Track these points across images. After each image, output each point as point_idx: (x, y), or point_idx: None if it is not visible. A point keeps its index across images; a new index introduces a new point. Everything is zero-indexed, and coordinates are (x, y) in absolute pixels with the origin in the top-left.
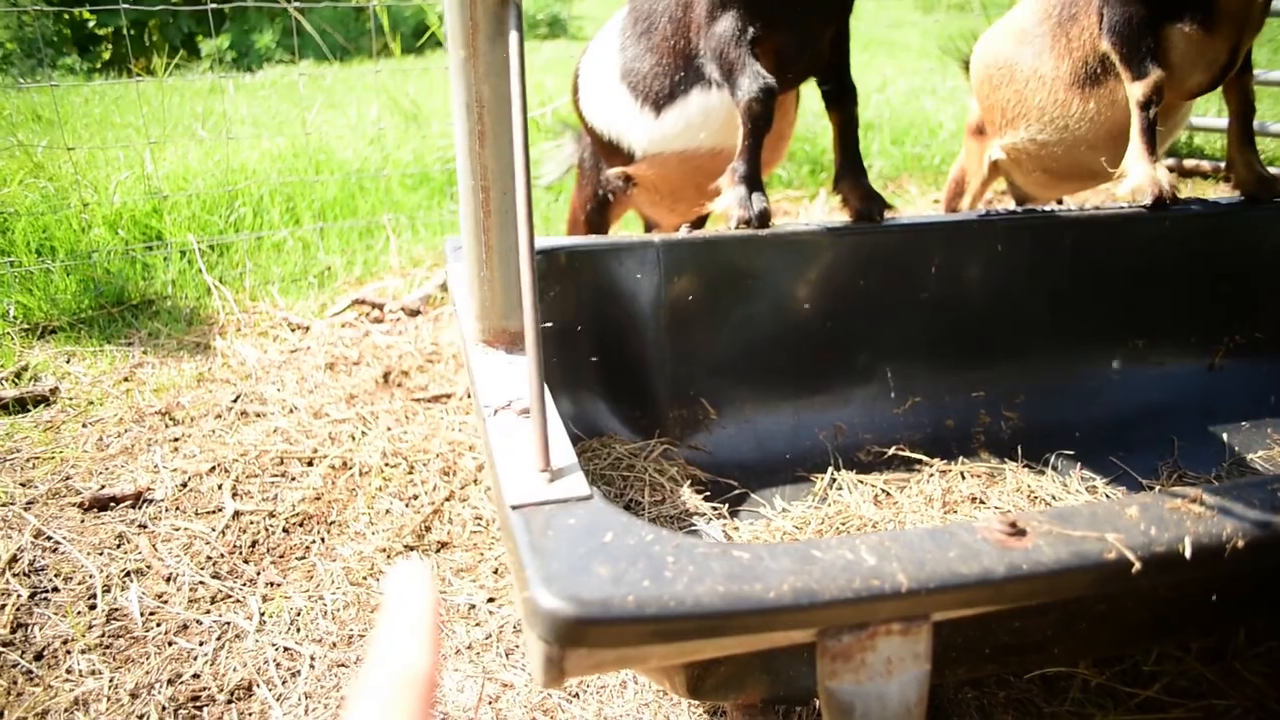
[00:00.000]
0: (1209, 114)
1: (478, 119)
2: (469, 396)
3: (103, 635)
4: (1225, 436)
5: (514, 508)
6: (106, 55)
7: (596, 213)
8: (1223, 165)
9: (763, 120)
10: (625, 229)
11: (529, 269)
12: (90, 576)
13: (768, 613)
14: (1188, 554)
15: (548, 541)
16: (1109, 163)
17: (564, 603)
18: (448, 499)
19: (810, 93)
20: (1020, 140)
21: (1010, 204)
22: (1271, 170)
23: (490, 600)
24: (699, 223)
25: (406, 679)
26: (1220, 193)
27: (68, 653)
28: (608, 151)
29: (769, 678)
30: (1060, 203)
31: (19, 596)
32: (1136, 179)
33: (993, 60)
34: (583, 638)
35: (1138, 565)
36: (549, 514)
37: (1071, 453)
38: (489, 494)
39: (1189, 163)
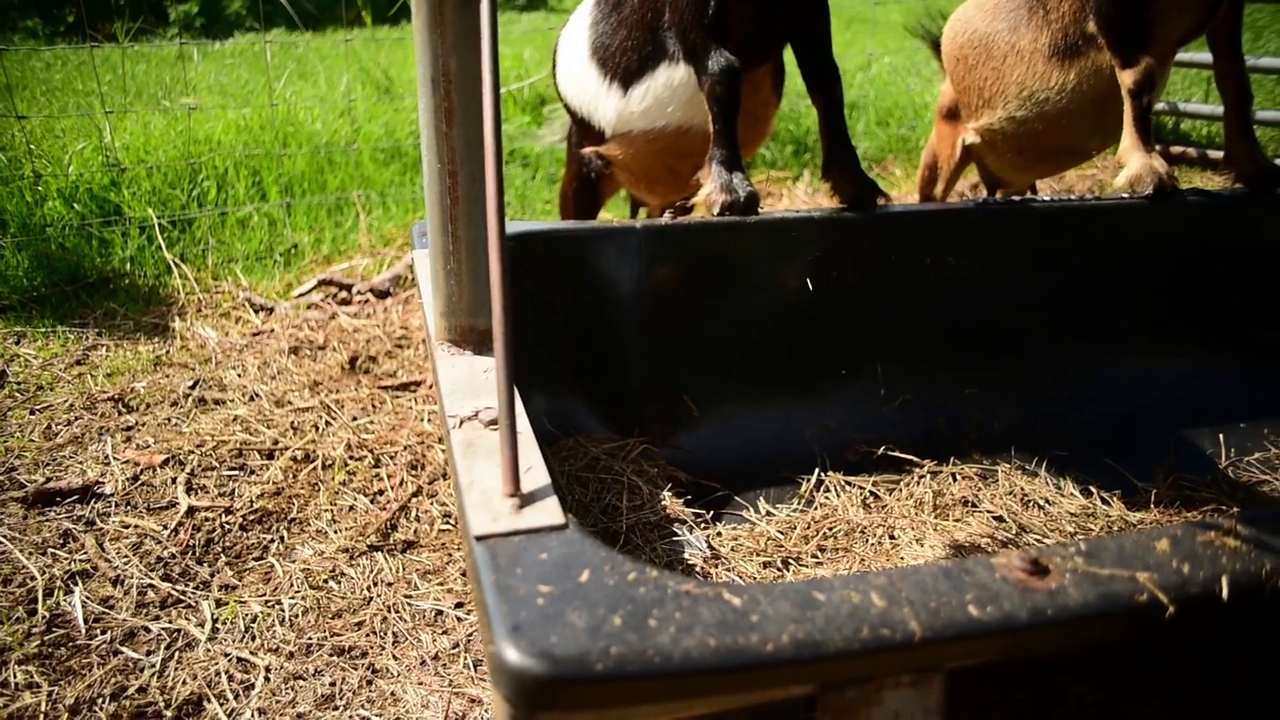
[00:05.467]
0: (1194, 100)
1: (444, 95)
2: None
3: (42, 644)
4: (1222, 438)
5: (479, 539)
6: (70, 19)
7: (583, 191)
8: (1208, 151)
9: (728, 101)
10: (612, 207)
11: (499, 265)
12: (31, 579)
13: (765, 667)
14: (1224, 594)
15: (515, 581)
16: (1092, 134)
17: (533, 660)
18: (415, 495)
19: (794, 70)
20: (997, 120)
21: (983, 192)
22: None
23: (459, 605)
24: (683, 209)
25: None
26: (1206, 181)
27: (4, 663)
28: (583, 130)
29: None
30: (1034, 190)
31: None
32: (1134, 168)
33: (967, 39)
34: (555, 700)
35: (1171, 609)
36: (518, 547)
37: (1065, 454)
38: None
39: (1175, 149)
